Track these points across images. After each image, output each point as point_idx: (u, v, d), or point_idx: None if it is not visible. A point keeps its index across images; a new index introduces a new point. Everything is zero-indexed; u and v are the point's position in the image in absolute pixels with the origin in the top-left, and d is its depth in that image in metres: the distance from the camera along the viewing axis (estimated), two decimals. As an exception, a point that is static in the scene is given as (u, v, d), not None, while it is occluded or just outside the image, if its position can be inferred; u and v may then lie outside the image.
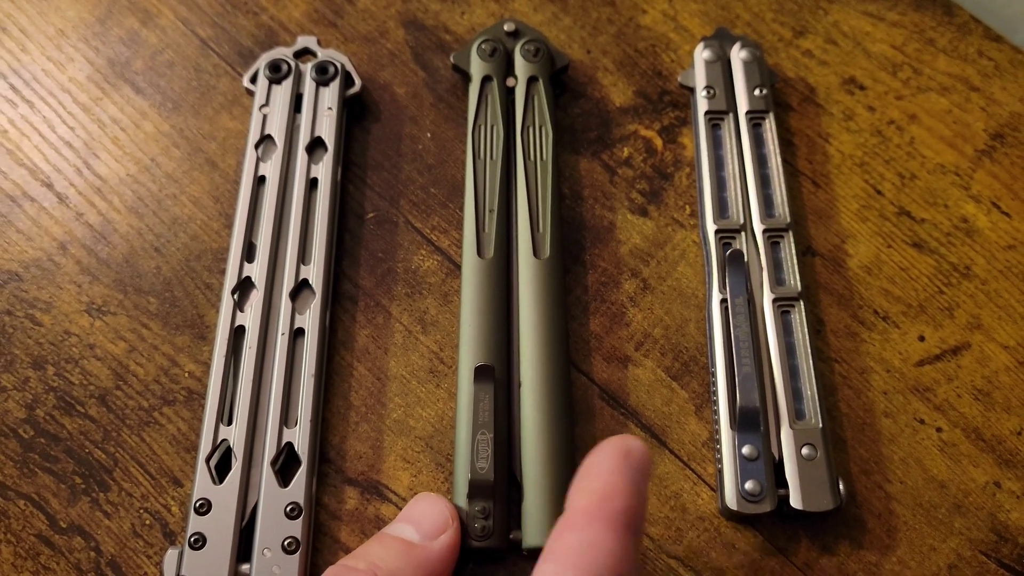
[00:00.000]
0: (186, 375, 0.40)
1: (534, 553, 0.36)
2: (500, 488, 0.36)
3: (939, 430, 0.40)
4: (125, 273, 0.42)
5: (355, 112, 0.46)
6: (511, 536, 0.36)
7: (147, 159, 0.45)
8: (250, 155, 0.43)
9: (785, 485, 0.37)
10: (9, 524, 0.37)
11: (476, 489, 0.36)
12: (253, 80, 0.45)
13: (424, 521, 0.35)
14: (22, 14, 0.48)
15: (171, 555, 0.35)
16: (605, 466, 0.30)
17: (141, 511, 0.37)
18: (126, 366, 0.40)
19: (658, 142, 0.46)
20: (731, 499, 0.37)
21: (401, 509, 0.37)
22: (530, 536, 0.36)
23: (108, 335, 0.41)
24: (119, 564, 0.36)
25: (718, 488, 0.38)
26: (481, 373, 0.37)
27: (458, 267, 0.42)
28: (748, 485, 0.36)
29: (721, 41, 0.46)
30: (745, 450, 0.37)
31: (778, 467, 0.37)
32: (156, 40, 0.47)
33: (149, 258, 0.42)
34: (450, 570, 0.34)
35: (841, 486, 0.37)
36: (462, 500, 0.36)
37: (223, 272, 0.42)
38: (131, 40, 0.47)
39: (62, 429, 0.39)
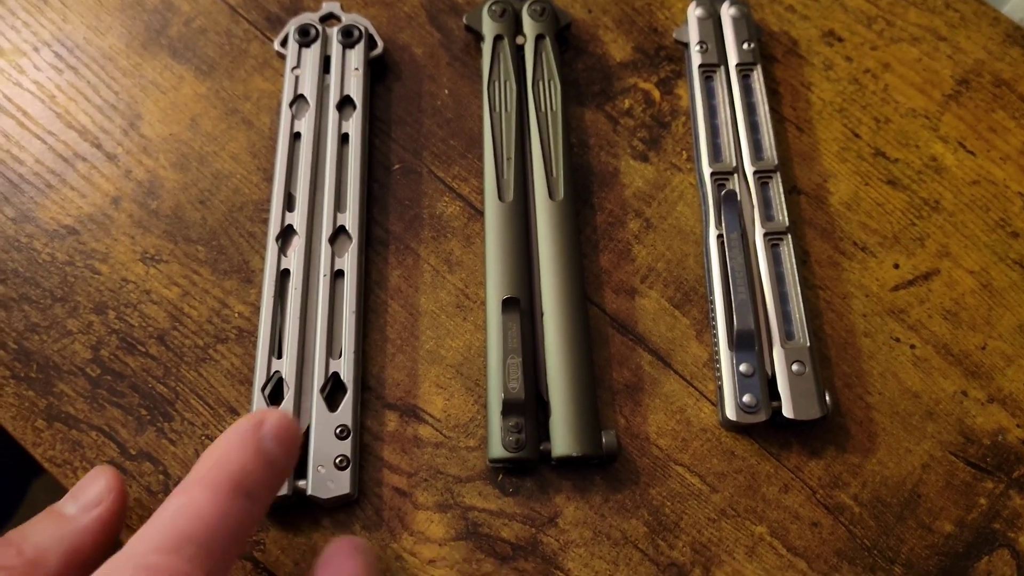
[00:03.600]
0: (236, 315, 0.44)
1: (562, 462, 0.40)
2: (530, 405, 0.40)
3: (912, 347, 0.44)
4: (174, 225, 0.46)
5: (377, 72, 0.50)
6: (541, 447, 0.40)
7: (187, 119, 0.48)
8: (285, 113, 0.46)
9: (778, 398, 0.41)
10: (84, 453, 0.41)
11: (509, 407, 0.40)
12: (283, 44, 0.48)
13: (82, 495, 0.35)
14: (62, -15, 0.51)
15: (235, 474, 0.39)
16: (229, 438, 0.32)
17: (203, 437, 0.41)
18: (180, 309, 0.44)
19: (656, 94, 0.50)
20: (731, 411, 0.41)
21: (436, 430, 0.42)
22: (558, 446, 0.40)
23: (162, 281, 0.44)
24: (187, 484, 0.41)
25: (718, 402, 0.42)
26: (508, 304, 0.42)
27: (478, 212, 0.46)
28: (745, 398, 0.41)
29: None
30: (742, 368, 0.41)
31: (771, 382, 0.41)
32: (188, 8, 0.51)
33: (195, 210, 0.46)
34: (105, 544, 0.34)
35: (827, 398, 0.41)
36: (496, 418, 0.40)
37: (265, 221, 0.45)
38: (165, 8, 0.51)
39: (126, 367, 0.43)
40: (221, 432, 0.40)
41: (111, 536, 0.35)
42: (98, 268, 0.45)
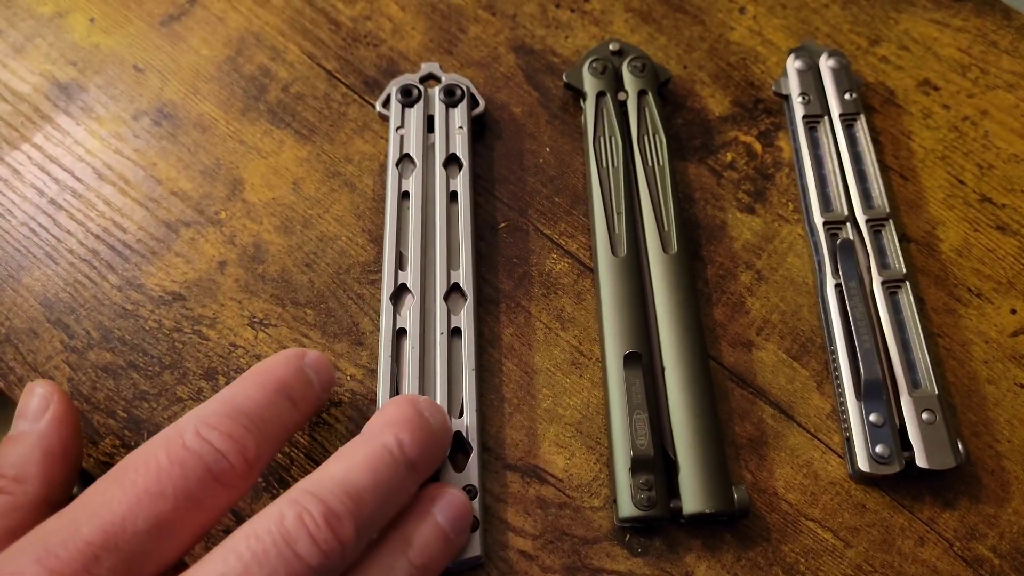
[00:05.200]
0: (348, 378, 0.43)
1: (692, 519, 0.39)
2: (658, 462, 0.39)
3: (1038, 393, 0.44)
4: (281, 288, 0.45)
5: (477, 131, 0.50)
6: (671, 505, 0.39)
7: (289, 183, 0.48)
8: (392, 173, 0.46)
9: (909, 448, 0.40)
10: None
11: (639, 464, 0.39)
12: (385, 104, 0.48)
13: (27, 410, 0.37)
14: (160, 54, 0.51)
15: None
16: (275, 357, 0.36)
17: (321, 503, 0.40)
18: (292, 372, 0.43)
19: (757, 146, 0.50)
20: (863, 462, 0.40)
21: (559, 490, 0.41)
22: (689, 503, 0.39)
23: (272, 346, 0.44)
24: (306, 552, 0.39)
25: (846, 454, 0.41)
26: (631, 359, 0.41)
27: (587, 268, 0.46)
28: (878, 449, 0.40)
29: (809, 52, 0.50)
30: (872, 418, 0.41)
31: (901, 432, 0.41)
32: (286, 74, 0.51)
33: (302, 274, 0.46)
34: (70, 437, 0.37)
35: (960, 446, 0.40)
36: (624, 476, 0.39)
37: (372, 283, 0.45)
38: (262, 75, 0.51)
39: (239, 432, 0.42)
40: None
41: (73, 429, 0.37)
42: (206, 334, 0.44)
